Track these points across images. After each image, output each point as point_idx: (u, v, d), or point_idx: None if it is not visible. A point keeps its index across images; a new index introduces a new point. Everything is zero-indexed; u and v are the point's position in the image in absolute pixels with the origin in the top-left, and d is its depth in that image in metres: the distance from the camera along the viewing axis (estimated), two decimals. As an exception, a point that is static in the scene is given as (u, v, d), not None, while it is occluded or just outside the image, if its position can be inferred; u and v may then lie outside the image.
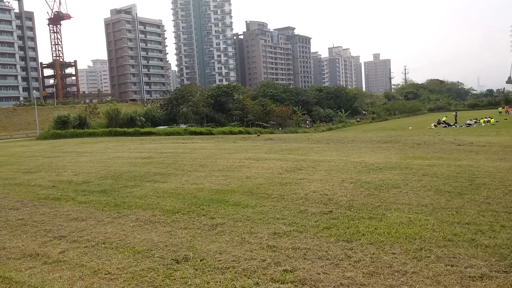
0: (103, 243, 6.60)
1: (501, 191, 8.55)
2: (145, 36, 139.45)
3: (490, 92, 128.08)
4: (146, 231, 7.12)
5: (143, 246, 6.35)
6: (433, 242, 5.79)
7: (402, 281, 4.67)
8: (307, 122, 69.42)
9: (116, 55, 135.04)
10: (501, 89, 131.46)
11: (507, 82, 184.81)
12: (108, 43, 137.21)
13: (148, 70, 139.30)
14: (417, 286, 4.53)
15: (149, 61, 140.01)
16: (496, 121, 43.57)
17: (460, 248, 5.53)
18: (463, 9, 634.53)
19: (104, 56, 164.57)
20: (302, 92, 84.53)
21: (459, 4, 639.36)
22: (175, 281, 5.02)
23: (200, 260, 5.61)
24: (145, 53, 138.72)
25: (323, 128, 58.78)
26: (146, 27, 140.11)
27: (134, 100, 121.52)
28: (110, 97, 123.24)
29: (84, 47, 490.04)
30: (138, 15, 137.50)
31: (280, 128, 59.02)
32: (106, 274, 5.34)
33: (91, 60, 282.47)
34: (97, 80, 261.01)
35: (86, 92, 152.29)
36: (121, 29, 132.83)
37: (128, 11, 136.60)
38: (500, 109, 61.53)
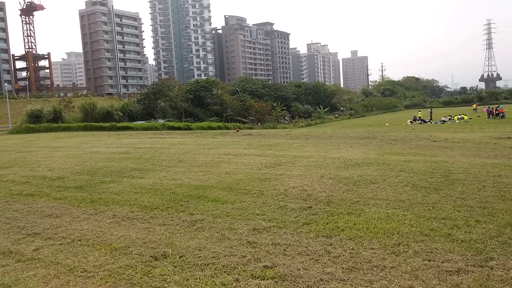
0: (79, 240, 6.45)
1: (475, 186, 8.75)
2: (122, 29, 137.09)
3: (463, 89, 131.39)
4: (123, 228, 7.00)
5: (121, 243, 6.24)
6: (411, 237, 5.87)
7: (381, 276, 4.72)
8: (286, 117, 69.60)
9: (91, 47, 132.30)
10: (474, 86, 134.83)
11: (480, 80, 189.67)
12: (83, 35, 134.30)
13: (125, 64, 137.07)
14: (396, 280, 4.59)
15: (126, 55, 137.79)
16: (470, 118, 44.69)
17: (437, 243, 5.63)
18: (439, 8, 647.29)
19: (79, 48, 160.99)
20: (281, 88, 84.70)
21: (434, 4, 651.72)
22: (153, 278, 4.94)
23: (179, 257, 5.54)
24: (121, 46, 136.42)
25: (302, 124, 59.18)
26: (123, 20, 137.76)
27: (110, 94, 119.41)
28: (85, 90, 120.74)
29: (58, 39, 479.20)
30: (114, 7, 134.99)
31: (259, 124, 59.05)
32: (83, 272, 5.22)
33: (66, 53, 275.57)
34: (71, 73, 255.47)
35: (61, 86, 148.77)
36: (96, 21, 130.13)
37: (103, 3, 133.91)
38: (474, 106, 63.06)
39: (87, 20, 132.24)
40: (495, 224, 6.28)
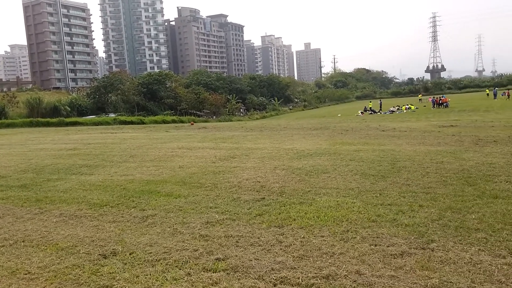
0: (23, 241, 6.16)
1: (420, 173, 9.17)
2: (69, 20, 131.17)
3: (411, 80, 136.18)
4: (71, 227, 6.75)
5: (68, 242, 6.01)
6: (359, 224, 6.08)
7: (330, 262, 4.85)
8: (241, 110, 69.60)
9: (36, 40, 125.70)
10: (420, 77, 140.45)
11: (426, 71, 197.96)
12: (28, 27, 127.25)
13: (73, 57, 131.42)
14: (344, 266, 4.73)
15: (74, 47, 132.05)
16: (416, 108, 46.64)
17: (383, 228, 5.86)
18: (388, 3, 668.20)
19: (23, 41, 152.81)
20: (236, 80, 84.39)
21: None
22: (102, 277, 4.81)
23: (129, 254, 5.42)
24: (69, 38, 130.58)
25: (257, 116, 59.38)
26: (70, 11, 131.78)
27: (58, 88, 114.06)
28: (30, 85, 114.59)
29: (1, 31, 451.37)
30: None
31: (214, 117, 58.69)
32: (26, 274, 4.99)
33: (9, 45, 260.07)
34: (15, 66, 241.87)
35: (3, 80, 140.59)
36: (41, 12, 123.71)
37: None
38: (420, 96, 65.80)
39: (31, 11, 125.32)
40: (436, 208, 6.61)
